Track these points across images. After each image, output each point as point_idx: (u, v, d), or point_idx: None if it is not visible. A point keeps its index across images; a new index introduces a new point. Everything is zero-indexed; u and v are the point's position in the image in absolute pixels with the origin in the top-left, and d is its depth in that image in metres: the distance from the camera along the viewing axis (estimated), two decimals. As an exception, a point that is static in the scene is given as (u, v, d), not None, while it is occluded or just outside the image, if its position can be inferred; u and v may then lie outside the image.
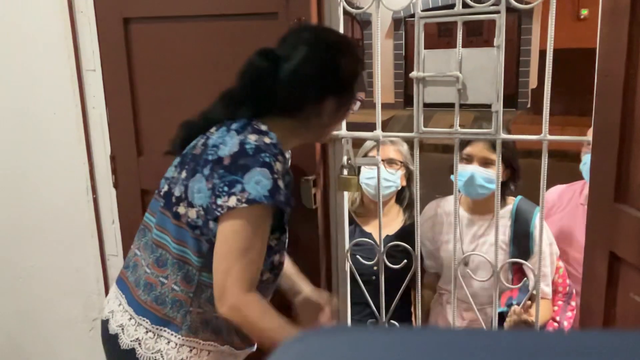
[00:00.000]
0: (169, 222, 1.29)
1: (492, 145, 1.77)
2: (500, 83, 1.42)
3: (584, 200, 1.97)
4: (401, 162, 2.04)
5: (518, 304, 1.71)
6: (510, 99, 10.33)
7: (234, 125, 1.25)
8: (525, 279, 1.77)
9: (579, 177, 2.03)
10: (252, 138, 1.20)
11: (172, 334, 1.29)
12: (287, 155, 1.37)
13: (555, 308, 1.96)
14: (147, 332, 1.29)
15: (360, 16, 11.19)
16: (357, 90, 1.35)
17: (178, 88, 1.71)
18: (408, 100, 9.91)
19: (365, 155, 2.02)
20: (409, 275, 1.70)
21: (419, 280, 1.70)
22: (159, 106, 1.76)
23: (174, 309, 1.29)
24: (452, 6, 1.47)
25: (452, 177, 1.65)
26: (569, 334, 0.37)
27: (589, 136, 1.31)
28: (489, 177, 1.81)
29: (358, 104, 1.40)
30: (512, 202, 1.93)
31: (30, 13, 1.89)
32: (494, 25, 1.39)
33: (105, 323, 1.37)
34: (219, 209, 1.16)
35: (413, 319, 1.98)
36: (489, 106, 1.44)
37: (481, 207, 1.92)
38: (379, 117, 1.61)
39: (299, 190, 1.60)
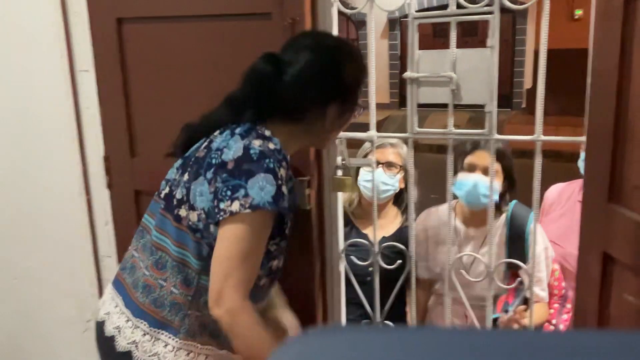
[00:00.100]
0: (170, 225, 1.28)
1: (497, 157, 1.77)
2: (494, 83, 1.42)
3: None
4: (400, 166, 2.03)
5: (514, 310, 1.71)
6: (505, 99, 10.35)
7: (238, 130, 1.25)
8: (519, 278, 1.77)
9: (575, 177, 2.03)
10: (256, 143, 1.20)
11: (169, 337, 1.28)
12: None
13: (551, 311, 1.97)
14: (144, 334, 1.28)
15: (355, 16, 11.20)
16: (360, 97, 1.35)
17: (172, 88, 1.70)
18: (403, 101, 9.92)
19: (365, 157, 2.02)
20: (402, 276, 1.70)
21: (414, 281, 1.70)
22: (153, 107, 1.75)
23: (172, 312, 1.28)
24: (447, 7, 1.47)
25: (454, 187, 1.65)
26: (568, 334, 0.37)
27: (583, 137, 1.31)
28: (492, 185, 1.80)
29: (361, 110, 1.40)
30: (507, 207, 1.93)
31: (24, 13, 1.88)
32: (489, 26, 1.39)
33: (100, 325, 1.36)
34: (221, 213, 1.15)
35: (408, 319, 1.98)
36: (484, 106, 1.45)
37: (478, 218, 1.91)
38: (373, 117, 1.60)
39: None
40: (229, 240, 1.16)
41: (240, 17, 1.56)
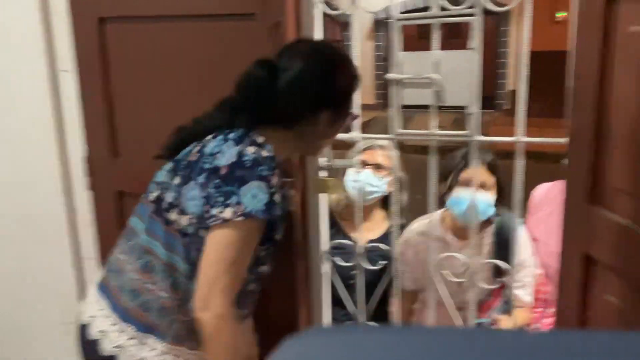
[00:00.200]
0: (160, 228, 1.27)
1: (489, 167, 1.78)
2: (476, 85, 1.43)
3: None
4: (389, 169, 2.02)
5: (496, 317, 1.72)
6: (489, 101, 10.41)
7: (232, 135, 1.24)
8: (502, 279, 1.78)
9: (559, 177, 2.04)
10: (250, 150, 1.19)
11: (156, 342, 1.27)
12: None
13: (534, 315, 1.98)
14: (130, 338, 1.27)
15: (340, 18, 11.19)
16: (351, 105, 1.36)
17: (154, 89, 1.69)
18: (389, 102, 9.90)
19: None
20: (385, 278, 1.70)
21: (397, 283, 1.71)
22: (135, 107, 1.73)
23: (159, 317, 1.27)
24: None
25: (449, 203, 1.64)
26: (568, 334, 0.37)
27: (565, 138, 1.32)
28: (489, 201, 1.80)
29: (353, 118, 1.41)
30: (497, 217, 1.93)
31: (4, 12, 1.85)
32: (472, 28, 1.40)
33: (83, 328, 1.34)
34: (213, 219, 1.15)
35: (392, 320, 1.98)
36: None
37: (468, 229, 1.90)
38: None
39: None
40: (219, 246, 1.16)
41: (223, 18, 1.55)
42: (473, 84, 1.43)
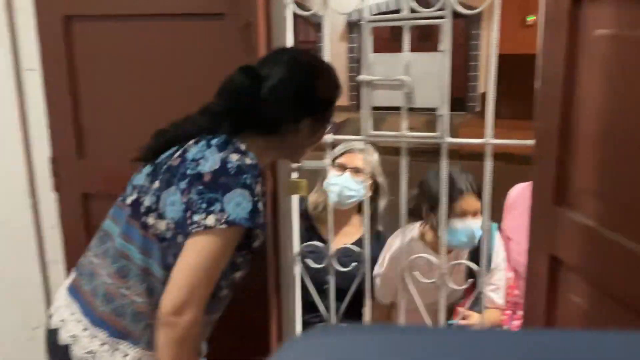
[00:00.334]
0: (136, 233, 1.25)
1: (479, 195, 1.79)
2: (446, 87, 1.44)
3: None
4: (368, 173, 2.00)
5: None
6: (461, 103, 10.53)
7: (215, 141, 1.23)
8: (471, 280, 1.79)
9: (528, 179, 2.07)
10: (234, 157, 1.19)
11: (129, 347, 1.25)
12: None
13: (504, 317, 2.00)
14: (102, 344, 1.24)
15: (314, 19, 11.22)
16: (333, 113, 1.37)
17: (122, 88, 1.66)
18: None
19: (334, 161, 2.01)
20: (356, 280, 1.70)
21: (370, 286, 1.71)
22: (102, 107, 1.70)
23: (133, 322, 1.25)
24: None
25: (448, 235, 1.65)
26: (567, 333, 0.37)
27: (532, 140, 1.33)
28: (479, 225, 1.83)
29: (330, 127, 1.42)
30: None
31: (-35, 8, 1.80)
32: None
33: (53, 332, 1.30)
34: (194, 226, 1.14)
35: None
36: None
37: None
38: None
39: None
40: (199, 253, 1.14)
41: (192, 17, 1.53)
42: (443, 86, 1.44)
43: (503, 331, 0.42)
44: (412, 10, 1.43)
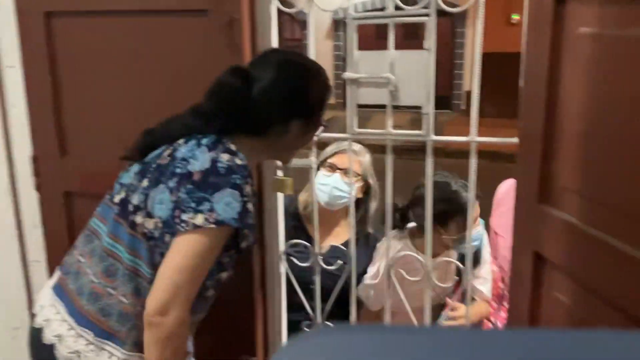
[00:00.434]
0: (124, 231, 1.24)
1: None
2: (431, 85, 1.44)
3: None
4: (359, 174, 1.99)
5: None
6: (446, 101, 10.59)
7: (205, 141, 1.22)
8: (457, 278, 1.81)
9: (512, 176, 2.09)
10: (224, 157, 1.18)
11: (115, 348, 1.24)
12: None
13: (490, 310, 2.02)
14: (88, 344, 1.23)
15: (300, 16, 11.20)
16: (323, 115, 1.37)
17: (104, 86, 1.64)
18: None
19: (324, 161, 1.99)
20: (342, 279, 1.70)
21: (354, 285, 1.71)
22: (84, 104, 1.68)
23: (119, 322, 1.24)
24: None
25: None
26: (563, 333, 0.37)
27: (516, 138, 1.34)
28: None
29: (322, 128, 1.41)
30: None
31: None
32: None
33: (37, 332, 1.29)
34: (183, 225, 1.13)
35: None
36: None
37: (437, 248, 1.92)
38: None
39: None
40: (187, 252, 1.14)
41: (175, 14, 1.52)
42: (428, 84, 1.44)
43: (502, 331, 0.43)
44: (397, 8, 1.43)
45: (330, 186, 1.94)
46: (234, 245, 1.24)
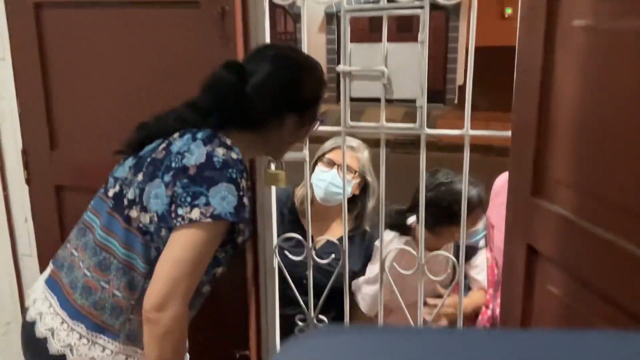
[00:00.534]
0: (118, 226, 1.23)
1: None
2: (424, 78, 1.43)
3: None
4: (356, 171, 1.97)
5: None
6: (439, 95, 10.60)
7: (200, 135, 1.22)
8: (449, 272, 1.81)
9: (505, 170, 2.10)
10: (220, 151, 1.18)
11: (108, 341, 1.24)
12: None
13: (487, 297, 2.03)
14: (80, 338, 1.23)
15: (292, 10, 11.16)
16: (318, 110, 1.37)
17: (94, 78, 1.63)
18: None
19: (323, 156, 1.98)
20: (334, 275, 1.70)
21: (347, 281, 1.71)
22: (74, 97, 1.67)
23: (112, 316, 1.24)
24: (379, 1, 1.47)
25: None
26: (560, 334, 0.37)
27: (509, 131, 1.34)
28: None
29: (319, 123, 1.40)
30: None
31: None
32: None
33: (30, 325, 1.28)
34: (179, 219, 1.13)
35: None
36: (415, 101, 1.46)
37: (436, 242, 1.92)
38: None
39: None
40: (184, 247, 1.13)
41: (166, 5, 1.50)
42: (421, 77, 1.43)
43: (497, 332, 0.43)
44: (391, 0, 1.42)
45: (327, 182, 1.93)
46: (230, 241, 1.24)
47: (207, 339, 1.49)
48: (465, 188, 1.51)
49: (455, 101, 10.80)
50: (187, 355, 1.38)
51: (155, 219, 1.18)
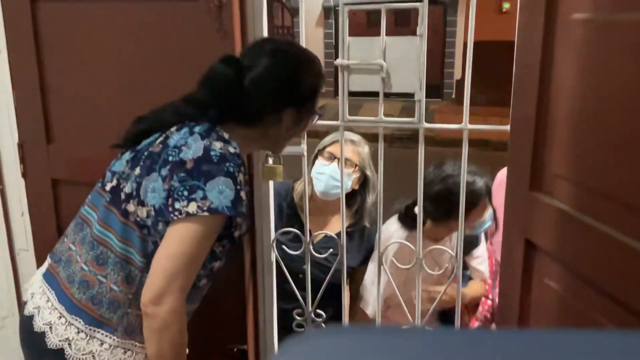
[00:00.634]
0: (115, 220, 1.23)
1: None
2: (423, 72, 1.43)
3: None
4: (356, 165, 1.96)
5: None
6: (436, 90, 10.59)
7: (198, 129, 1.22)
8: (447, 265, 1.81)
9: (502, 164, 2.10)
10: (217, 145, 1.17)
11: (106, 336, 1.24)
12: None
13: (486, 287, 2.04)
14: (78, 332, 1.23)
15: (290, 4, 11.13)
16: (316, 104, 1.36)
17: (91, 72, 1.62)
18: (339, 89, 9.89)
19: (323, 149, 1.98)
20: (331, 271, 1.70)
21: (344, 276, 1.71)
22: (71, 90, 1.66)
23: (110, 310, 1.24)
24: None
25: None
26: (568, 334, 0.37)
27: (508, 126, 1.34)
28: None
29: (317, 117, 1.40)
30: None
31: None
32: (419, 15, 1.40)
33: (28, 319, 1.28)
34: (176, 213, 1.13)
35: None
36: (414, 95, 1.45)
37: (441, 233, 1.93)
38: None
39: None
40: (180, 241, 1.13)
41: (164, -2, 1.49)
42: (420, 71, 1.43)
43: (501, 332, 0.43)
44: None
45: (328, 175, 1.93)
46: (228, 235, 1.24)
47: (204, 333, 1.49)
48: (464, 182, 1.50)
49: (453, 96, 10.79)
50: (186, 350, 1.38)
51: (153, 212, 1.18)
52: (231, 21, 1.45)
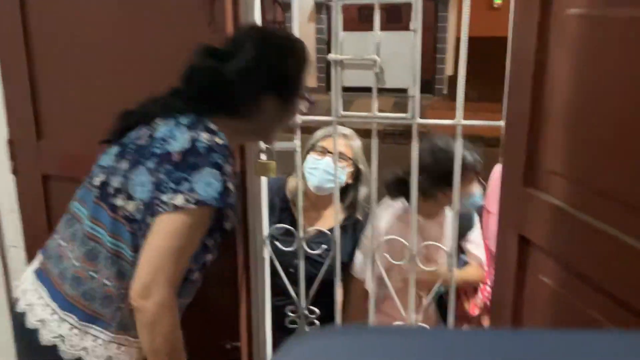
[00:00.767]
0: (105, 215, 1.22)
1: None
2: (416, 67, 1.43)
3: None
4: (350, 159, 1.96)
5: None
6: (428, 85, 10.58)
7: (184, 120, 1.20)
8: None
9: (495, 160, 2.11)
10: (204, 137, 1.16)
11: (100, 331, 1.23)
12: None
13: (484, 273, 2.06)
14: (71, 328, 1.22)
15: (282, -2, 11.09)
16: (302, 91, 1.34)
17: (80, 66, 1.60)
18: (331, 85, 9.87)
19: (314, 146, 1.97)
20: (324, 266, 1.69)
21: (339, 272, 1.70)
22: (61, 85, 1.64)
23: (103, 305, 1.23)
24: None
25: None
26: (549, 334, 0.37)
27: (502, 121, 1.34)
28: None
29: (307, 104, 1.39)
30: None
31: None
32: (412, 10, 1.39)
33: (20, 316, 1.27)
34: (163, 206, 1.12)
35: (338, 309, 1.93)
36: (407, 90, 1.45)
37: (432, 208, 1.93)
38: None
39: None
40: (168, 233, 1.13)
41: (155, -8, 1.48)
42: (413, 66, 1.43)
43: (501, 332, 0.43)
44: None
45: (321, 169, 1.92)
46: (218, 228, 1.23)
47: (197, 330, 1.48)
48: (459, 176, 1.50)
49: (445, 91, 10.80)
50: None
51: (141, 206, 1.17)
52: (223, 15, 1.44)
